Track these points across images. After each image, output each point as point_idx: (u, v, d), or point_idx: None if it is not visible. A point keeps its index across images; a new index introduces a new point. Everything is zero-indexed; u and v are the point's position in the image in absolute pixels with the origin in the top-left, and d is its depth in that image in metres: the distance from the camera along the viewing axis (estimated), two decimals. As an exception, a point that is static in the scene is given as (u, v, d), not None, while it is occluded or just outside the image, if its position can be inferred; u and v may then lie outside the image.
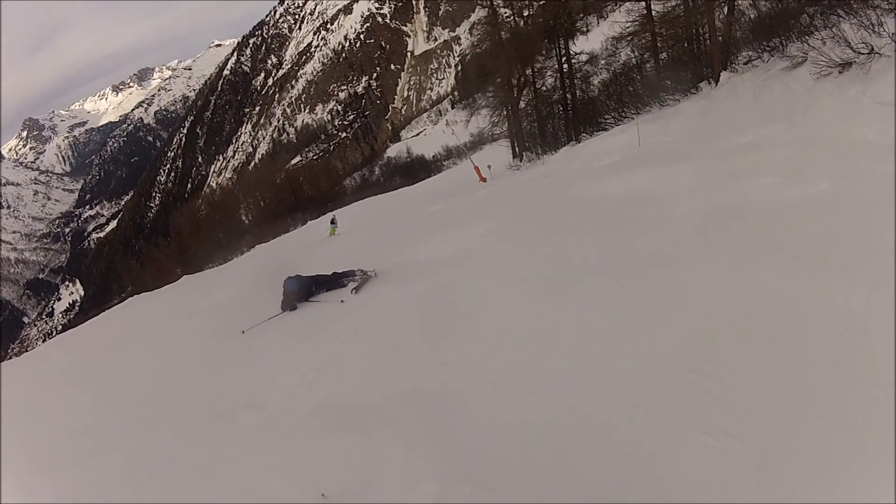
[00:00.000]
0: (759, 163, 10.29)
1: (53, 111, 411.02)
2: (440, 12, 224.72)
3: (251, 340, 10.02)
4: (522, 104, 31.06)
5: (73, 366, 14.71)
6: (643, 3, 23.67)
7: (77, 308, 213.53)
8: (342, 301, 10.49)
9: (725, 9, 18.85)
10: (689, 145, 14.65)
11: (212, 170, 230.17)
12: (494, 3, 29.85)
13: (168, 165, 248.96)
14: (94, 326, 26.01)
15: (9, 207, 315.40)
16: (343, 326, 9.22)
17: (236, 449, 6.03)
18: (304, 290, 11.46)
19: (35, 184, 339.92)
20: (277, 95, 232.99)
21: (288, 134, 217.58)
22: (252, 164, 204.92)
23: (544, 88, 30.41)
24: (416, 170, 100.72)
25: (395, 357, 7.29)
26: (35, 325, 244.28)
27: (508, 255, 9.64)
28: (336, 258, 14.04)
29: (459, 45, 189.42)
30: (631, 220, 9.42)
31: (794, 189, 8.43)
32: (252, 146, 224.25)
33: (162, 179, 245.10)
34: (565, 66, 28.84)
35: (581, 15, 31.30)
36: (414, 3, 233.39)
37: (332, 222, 29.61)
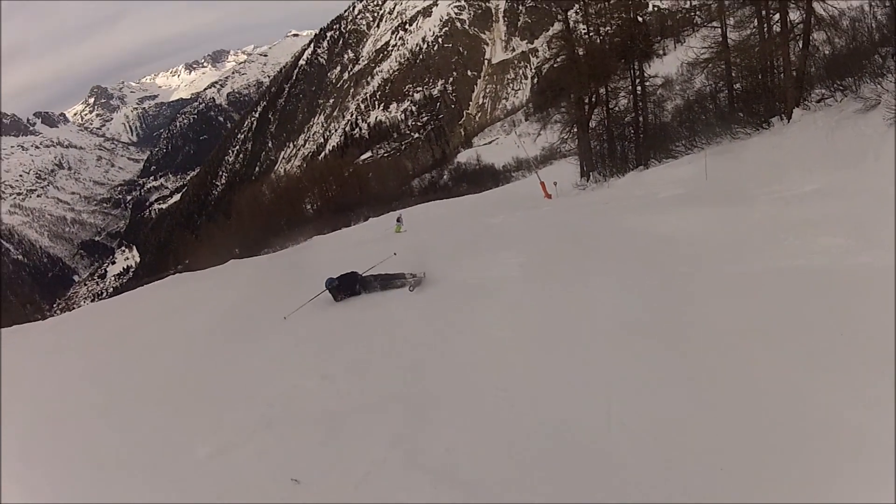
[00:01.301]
0: (828, 217, 9.55)
1: (123, 82, 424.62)
2: (519, 23, 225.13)
3: (266, 336, 10.63)
4: (593, 123, 30.69)
5: (89, 338, 15.48)
6: (719, 31, 23.78)
7: (131, 273, 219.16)
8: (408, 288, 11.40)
9: (801, 42, 18.94)
10: (756, 185, 13.98)
11: (281, 156, 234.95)
12: (571, 18, 29.89)
13: (237, 147, 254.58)
14: (128, 300, 26.85)
15: (69, 169, 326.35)
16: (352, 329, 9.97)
17: (226, 446, 6.33)
18: (346, 288, 11.99)
19: (99, 149, 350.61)
20: (352, 90, 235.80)
21: (360, 129, 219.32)
22: (322, 154, 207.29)
23: (617, 109, 30.11)
24: (485, 178, 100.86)
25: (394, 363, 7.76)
26: (85, 285, 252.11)
27: (539, 299, 9.16)
28: (382, 259, 14.49)
29: (537, 57, 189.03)
30: (685, 271, 8.87)
31: (864, 255, 7.63)
32: (323, 137, 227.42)
33: (230, 160, 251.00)
34: (639, 88, 28.68)
35: (658, 38, 31.34)
36: (493, 11, 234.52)
37: (398, 220, 30.76)
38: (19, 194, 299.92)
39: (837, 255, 7.90)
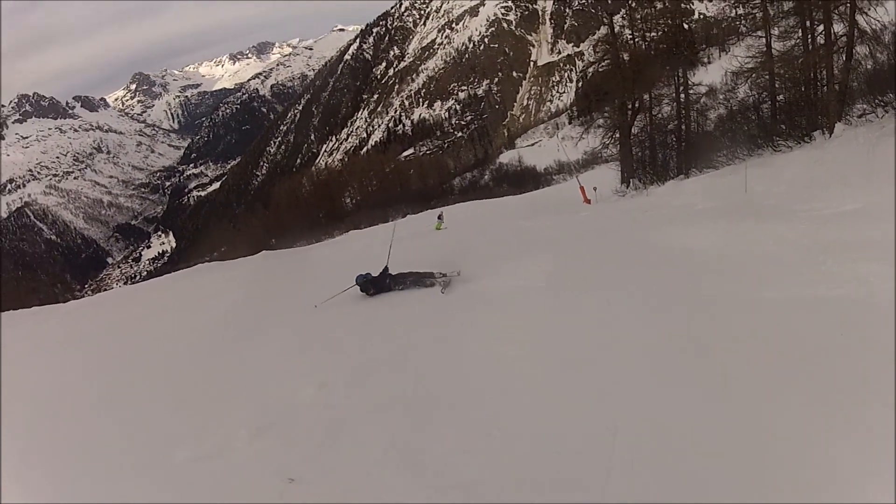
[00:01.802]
0: (868, 241, 9.03)
1: (166, 70, 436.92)
2: (566, 26, 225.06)
3: (274, 332, 11.11)
4: (636, 129, 30.39)
5: (100, 326, 16.41)
6: (764, 40, 23.64)
7: (166, 258, 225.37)
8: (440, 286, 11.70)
9: (844, 55, 19.03)
10: (794, 201, 13.58)
11: (323, 149, 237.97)
12: (616, 22, 29.96)
13: (279, 138, 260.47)
14: (150, 287, 28.12)
15: (108, 153, 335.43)
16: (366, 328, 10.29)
17: (218, 447, 6.34)
18: (377, 284, 12.32)
19: (139, 135, 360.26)
20: (397, 87, 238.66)
21: (404, 125, 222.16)
22: (364, 149, 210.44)
23: (660, 116, 29.94)
24: (526, 180, 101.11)
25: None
26: (119, 267, 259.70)
27: (559, 314, 8.82)
28: (416, 257, 14.60)
29: (582, 60, 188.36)
30: (716, 293, 8.24)
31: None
32: (366, 132, 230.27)
33: (271, 150, 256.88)
34: (683, 95, 28.55)
35: (703, 46, 31.15)
36: (540, 13, 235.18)
37: (440, 217, 31.59)
38: (55, 175, 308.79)
39: (877, 284, 7.26)
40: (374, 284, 12.35)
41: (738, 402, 5.38)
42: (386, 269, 12.66)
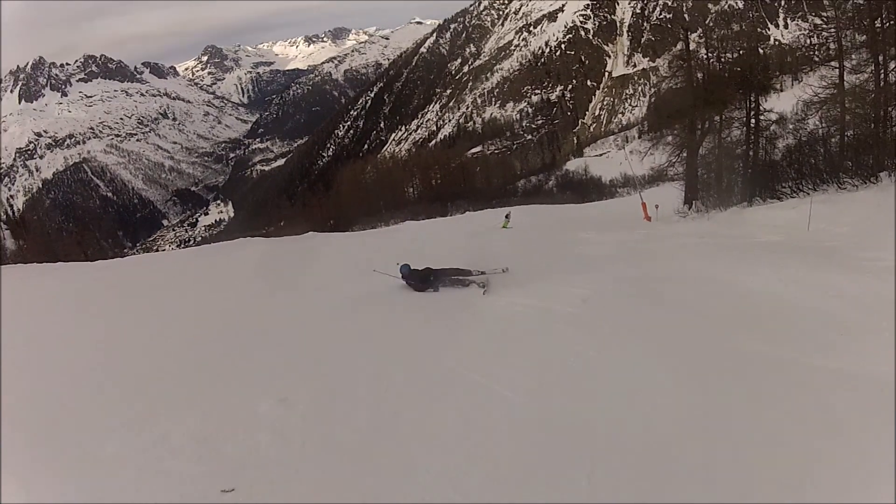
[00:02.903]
0: None
1: (240, 45, 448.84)
2: (643, 39, 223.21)
3: (277, 322, 11.17)
4: (703, 151, 29.74)
5: (137, 284, 17.23)
6: (837, 72, 22.99)
7: (222, 227, 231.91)
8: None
9: None
10: (857, 247, 12.81)
11: (391, 137, 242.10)
12: (693, 40, 29.69)
13: (349, 122, 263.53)
14: (181, 256, 28.99)
15: (174, 119, 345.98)
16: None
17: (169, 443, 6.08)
18: (419, 278, 12.66)
19: (207, 105, 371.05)
20: (471, 84, 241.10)
21: (474, 123, 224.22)
22: (433, 142, 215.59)
23: (728, 140, 29.09)
24: (590, 189, 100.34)
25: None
26: (174, 230, 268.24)
27: (581, 354, 7.89)
28: (465, 254, 15.34)
29: (657, 76, 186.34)
30: (757, 353, 7.36)
31: None
32: (436, 125, 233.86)
33: (339, 134, 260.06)
34: (753, 121, 27.79)
35: (777, 73, 30.53)
36: (618, 24, 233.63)
37: (507, 217, 32.20)
38: (118, 136, 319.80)
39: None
40: (416, 278, 12.69)
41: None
42: (428, 268, 12.97)
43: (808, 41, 26.23)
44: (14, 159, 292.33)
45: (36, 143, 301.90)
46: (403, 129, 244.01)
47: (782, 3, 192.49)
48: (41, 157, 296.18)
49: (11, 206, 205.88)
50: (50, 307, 14.46)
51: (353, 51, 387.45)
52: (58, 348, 10.08)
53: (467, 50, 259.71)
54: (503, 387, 6.94)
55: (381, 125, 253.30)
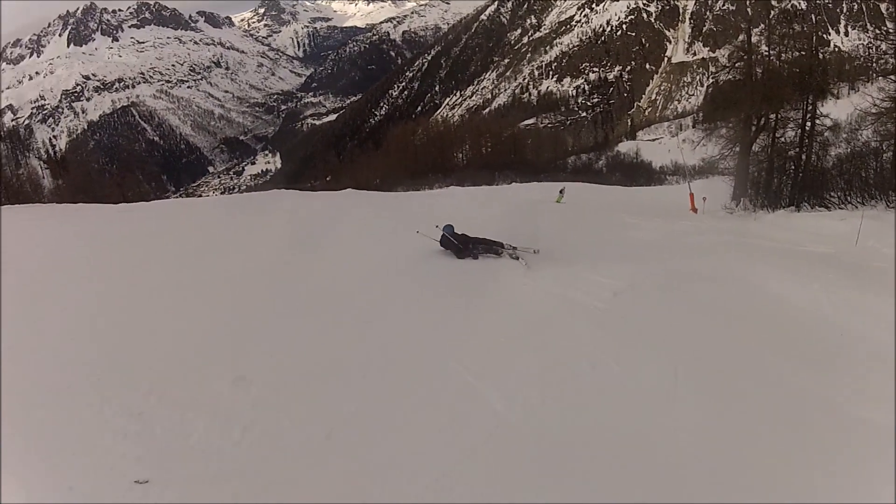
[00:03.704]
0: None
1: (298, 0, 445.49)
2: (704, 28, 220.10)
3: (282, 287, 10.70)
4: (756, 148, 29.15)
5: (160, 228, 17.35)
6: (894, 85, 23.05)
7: (268, 177, 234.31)
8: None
9: None
10: None
11: (445, 102, 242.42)
12: (755, 34, 29.27)
13: (403, 84, 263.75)
14: (218, 202, 28.71)
15: (227, 69, 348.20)
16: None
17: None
18: (458, 241, 12.94)
19: (261, 57, 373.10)
20: (529, 55, 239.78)
21: (530, 94, 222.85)
22: (486, 110, 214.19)
23: (782, 140, 28.49)
24: (639, 174, 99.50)
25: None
26: (219, 177, 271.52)
27: (601, 363, 7.40)
28: (507, 226, 15.37)
29: (716, 66, 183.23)
30: (798, 389, 6.73)
31: None
32: (491, 94, 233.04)
33: (393, 94, 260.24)
34: (808, 124, 27.25)
35: (835, 79, 29.45)
36: (681, 11, 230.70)
37: (561, 192, 33.18)
38: (168, 82, 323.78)
39: None
40: (456, 241, 12.96)
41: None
42: (465, 235, 13.18)
43: (868, 51, 25.79)
44: (60, 100, 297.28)
45: (84, 85, 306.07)
46: (458, 94, 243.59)
47: (844, 10, 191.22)
48: (88, 100, 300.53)
49: (53, 146, 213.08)
50: (23, 253, 13.50)
51: (412, 12, 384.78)
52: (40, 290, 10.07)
53: (528, 21, 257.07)
54: (497, 397, 6.40)
55: (436, 89, 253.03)
